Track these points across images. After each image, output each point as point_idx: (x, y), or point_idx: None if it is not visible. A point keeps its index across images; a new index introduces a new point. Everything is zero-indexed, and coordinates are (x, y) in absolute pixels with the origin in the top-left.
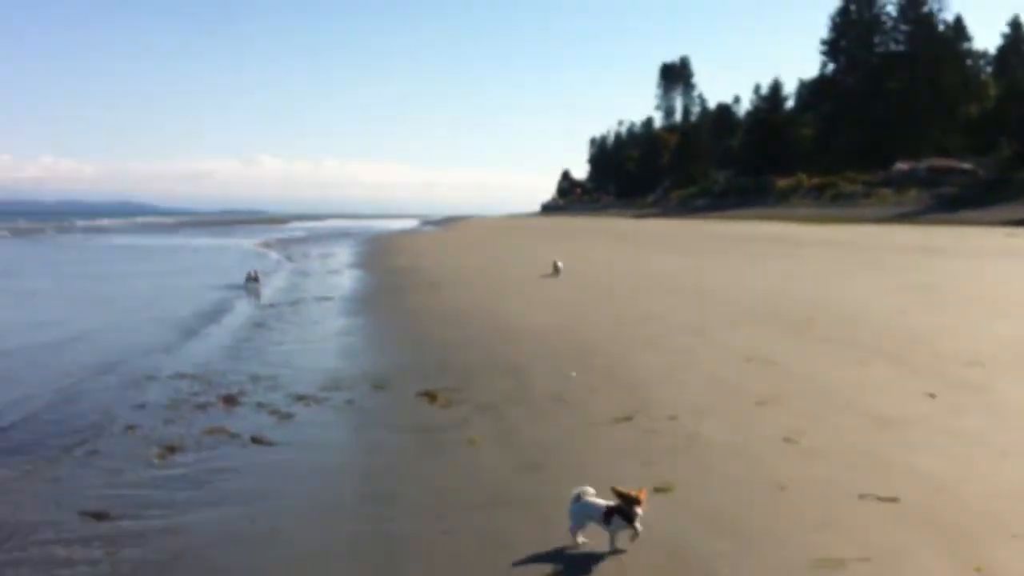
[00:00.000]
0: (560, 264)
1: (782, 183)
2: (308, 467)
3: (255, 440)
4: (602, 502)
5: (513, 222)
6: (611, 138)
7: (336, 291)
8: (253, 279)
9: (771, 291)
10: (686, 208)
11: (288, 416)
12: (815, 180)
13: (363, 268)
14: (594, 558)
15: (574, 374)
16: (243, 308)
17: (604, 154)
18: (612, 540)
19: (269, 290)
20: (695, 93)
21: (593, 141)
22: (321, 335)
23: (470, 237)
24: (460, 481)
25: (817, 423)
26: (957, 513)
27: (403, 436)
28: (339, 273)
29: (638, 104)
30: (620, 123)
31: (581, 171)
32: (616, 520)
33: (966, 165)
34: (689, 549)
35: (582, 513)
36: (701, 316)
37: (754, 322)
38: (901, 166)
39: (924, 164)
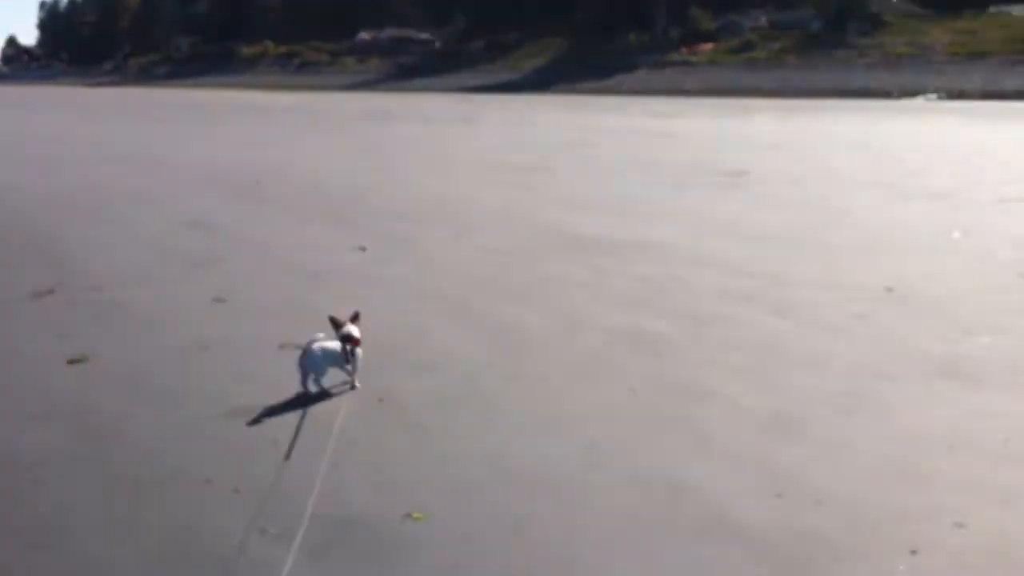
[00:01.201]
0: None
1: (248, 51)
2: None
3: None
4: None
5: None
6: (64, 2)
7: None
8: None
9: (223, 158)
10: (147, 76)
11: None
12: (282, 49)
13: None
14: None
15: None
16: None
17: (57, 19)
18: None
19: None
20: None
21: (43, 5)
22: None
23: None
24: None
25: (249, 282)
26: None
27: None
28: None
29: None
30: None
31: (30, 37)
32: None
33: (424, 35)
34: (97, 415)
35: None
36: (147, 184)
37: (202, 188)
38: (364, 36)
39: (385, 34)
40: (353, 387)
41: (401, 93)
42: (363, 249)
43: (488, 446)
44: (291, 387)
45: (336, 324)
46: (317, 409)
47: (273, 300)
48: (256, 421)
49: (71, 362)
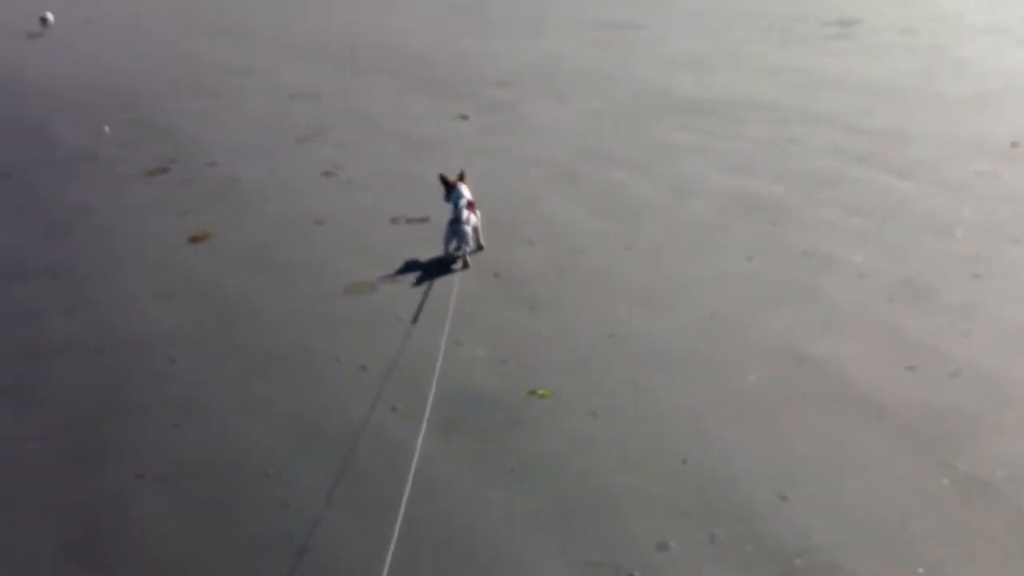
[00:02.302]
0: (50, 17)
1: None
2: None
3: None
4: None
5: None
6: None
7: None
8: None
9: (316, 25)
10: None
11: None
12: None
13: None
14: None
15: (107, 128)
16: None
17: None
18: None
19: None
20: None
21: None
22: None
23: None
24: None
25: (355, 154)
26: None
27: None
28: None
29: None
30: None
31: None
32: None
33: None
34: (222, 292)
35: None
36: (245, 55)
37: (299, 58)
38: None
39: None
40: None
41: None
42: (465, 117)
43: (607, 319)
44: (404, 260)
45: (446, 183)
46: (436, 283)
47: (379, 172)
48: (376, 296)
49: (192, 239)
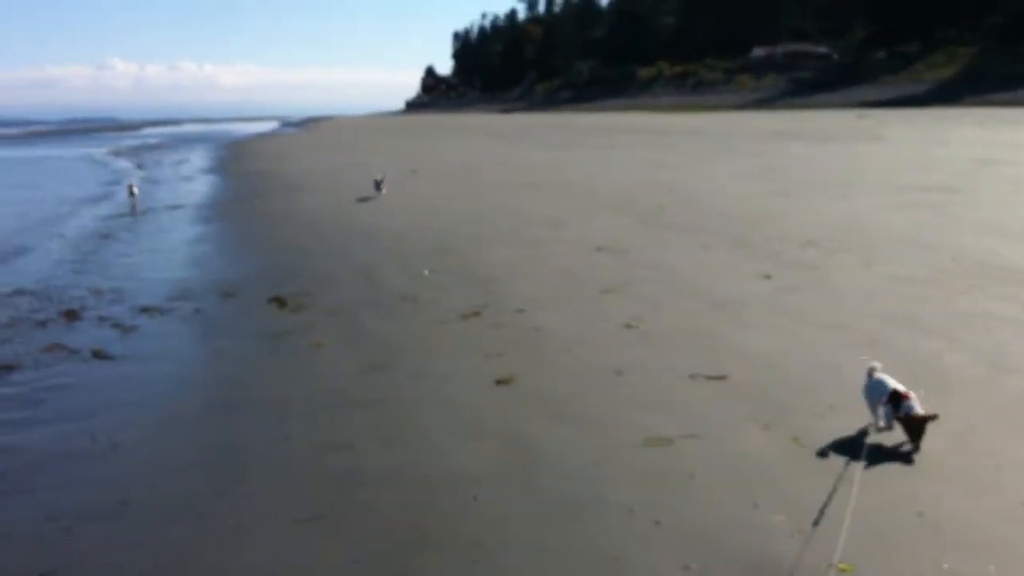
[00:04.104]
0: (381, 180)
1: (644, 73)
2: (151, 379)
3: (96, 355)
4: (891, 383)
5: (376, 121)
6: (475, 32)
7: (188, 198)
8: (131, 194)
9: (627, 181)
10: (551, 101)
11: (131, 329)
12: (676, 69)
13: (218, 174)
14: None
15: (427, 272)
16: (85, 220)
17: (468, 49)
18: (877, 423)
19: (118, 200)
20: None
21: (457, 36)
22: (170, 245)
23: (330, 138)
24: (304, 386)
25: (657, 309)
26: (780, 388)
27: (249, 343)
28: (192, 180)
29: None
30: (484, 16)
31: (446, 67)
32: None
33: (821, 49)
34: (524, 435)
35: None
36: (558, 209)
37: (608, 213)
38: (759, 52)
39: (781, 49)
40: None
41: (798, 110)
42: (768, 277)
43: (914, 497)
44: (699, 418)
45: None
46: (729, 441)
47: (681, 327)
48: (673, 451)
49: (498, 382)
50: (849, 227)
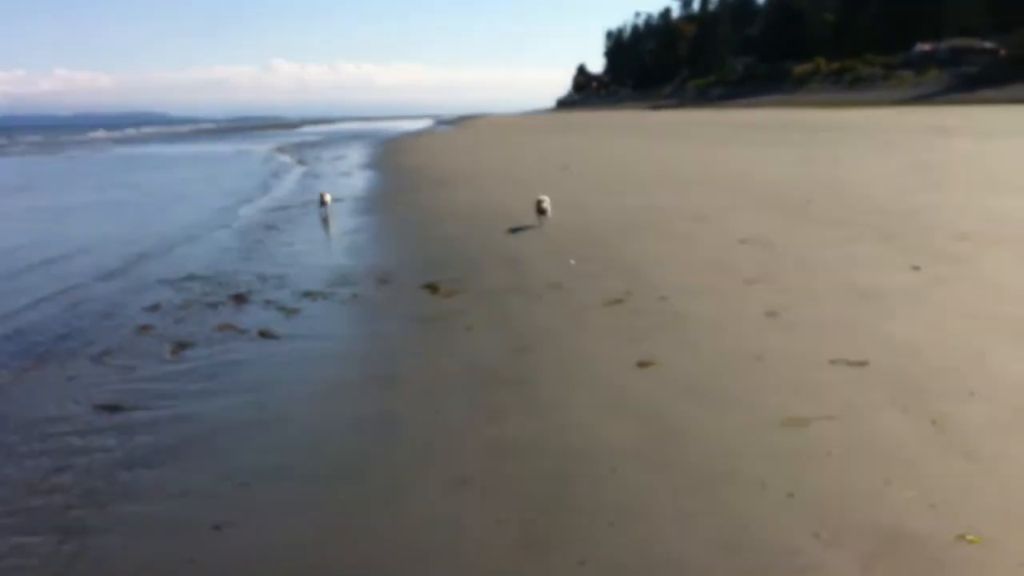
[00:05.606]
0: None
1: (799, 69)
2: (313, 356)
3: (263, 334)
4: None
5: (528, 119)
6: (628, 31)
7: (346, 192)
8: (323, 203)
9: (776, 176)
10: (703, 98)
11: (295, 311)
12: (833, 65)
13: (374, 169)
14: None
15: (573, 262)
16: (250, 211)
17: (621, 47)
18: None
19: (282, 192)
20: None
21: (609, 35)
22: (330, 235)
23: (483, 135)
24: (455, 364)
25: (800, 298)
26: (921, 373)
27: (404, 325)
28: (350, 175)
29: None
30: (637, 15)
31: (597, 65)
32: None
33: (988, 44)
34: (663, 414)
35: None
36: (705, 203)
37: (755, 206)
38: (922, 47)
39: (945, 44)
40: None
41: (961, 106)
42: (916, 268)
43: None
44: (837, 401)
45: None
46: (866, 425)
47: (823, 316)
48: (809, 431)
49: (640, 364)
50: (1006, 222)
